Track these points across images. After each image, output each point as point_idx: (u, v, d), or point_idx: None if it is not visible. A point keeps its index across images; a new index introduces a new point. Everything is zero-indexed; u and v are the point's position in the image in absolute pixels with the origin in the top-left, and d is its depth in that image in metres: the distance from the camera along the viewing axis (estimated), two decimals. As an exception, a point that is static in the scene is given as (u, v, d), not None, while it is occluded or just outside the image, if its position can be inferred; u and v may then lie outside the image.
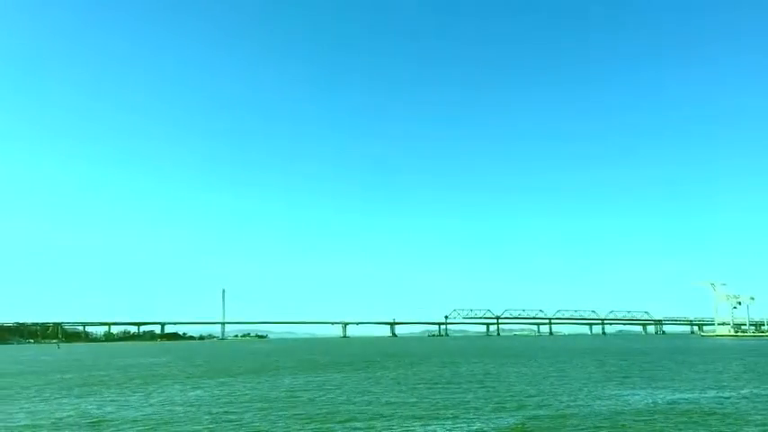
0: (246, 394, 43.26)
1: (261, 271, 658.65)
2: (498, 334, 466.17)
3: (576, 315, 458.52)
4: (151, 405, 37.68)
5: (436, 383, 49.67)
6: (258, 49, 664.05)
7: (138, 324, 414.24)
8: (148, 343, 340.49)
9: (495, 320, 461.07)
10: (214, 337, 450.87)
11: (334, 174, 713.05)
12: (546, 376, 55.67)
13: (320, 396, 41.23)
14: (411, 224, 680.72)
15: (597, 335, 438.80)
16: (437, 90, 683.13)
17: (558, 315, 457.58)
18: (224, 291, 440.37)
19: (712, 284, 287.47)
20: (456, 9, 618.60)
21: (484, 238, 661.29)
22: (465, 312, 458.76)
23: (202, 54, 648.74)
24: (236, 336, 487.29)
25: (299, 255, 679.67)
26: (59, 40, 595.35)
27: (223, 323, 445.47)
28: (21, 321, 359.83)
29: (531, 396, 39.41)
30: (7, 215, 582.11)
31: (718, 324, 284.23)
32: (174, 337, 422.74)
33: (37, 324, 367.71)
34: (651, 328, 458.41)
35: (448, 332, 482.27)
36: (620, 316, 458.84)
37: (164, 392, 45.43)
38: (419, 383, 49.70)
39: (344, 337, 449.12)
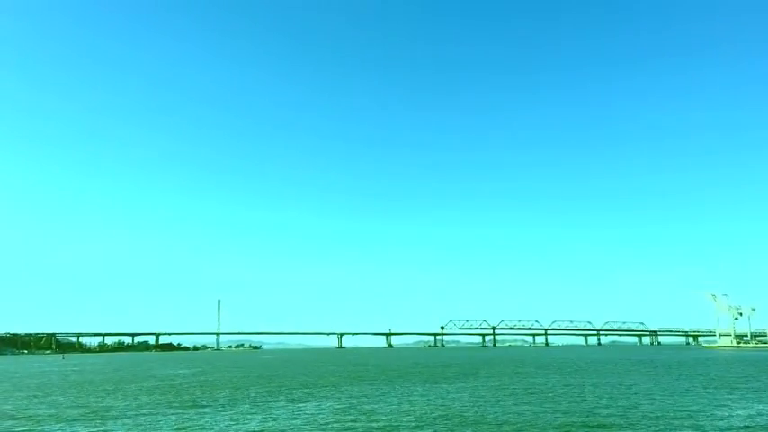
0: (382, 408, 41.99)
1: (255, 281, 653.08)
2: (494, 344, 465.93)
3: (572, 326, 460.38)
4: (297, 419, 36.42)
5: (542, 394, 48.83)
6: (252, 52, 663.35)
7: (133, 335, 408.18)
8: (144, 353, 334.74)
9: (491, 331, 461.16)
10: (208, 347, 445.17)
11: (329, 182, 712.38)
12: (650, 389, 54.64)
13: (455, 406, 40.07)
14: (406, 234, 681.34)
15: (593, 345, 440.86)
16: (436, 94, 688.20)
17: (554, 326, 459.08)
18: (219, 301, 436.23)
19: (713, 295, 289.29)
20: (454, 11, 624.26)
21: (479, 249, 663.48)
22: (461, 323, 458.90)
23: (199, 56, 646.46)
24: (230, 346, 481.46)
25: (293, 265, 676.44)
26: (56, 42, 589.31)
27: (218, 334, 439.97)
28: (14, 332, 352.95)
29: (679, 411, 38.73)
30: (0, 225, 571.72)
31: (720, 335, 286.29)
32: (169, 347, 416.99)
33: (30, 335, 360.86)
34: (646, 339, 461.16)
35: (443, 343, 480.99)
36: (615, 327, 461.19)
37: (277, 405, 44.02)
38: (525, 394, 48.75)
39: (340, 347, 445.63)
